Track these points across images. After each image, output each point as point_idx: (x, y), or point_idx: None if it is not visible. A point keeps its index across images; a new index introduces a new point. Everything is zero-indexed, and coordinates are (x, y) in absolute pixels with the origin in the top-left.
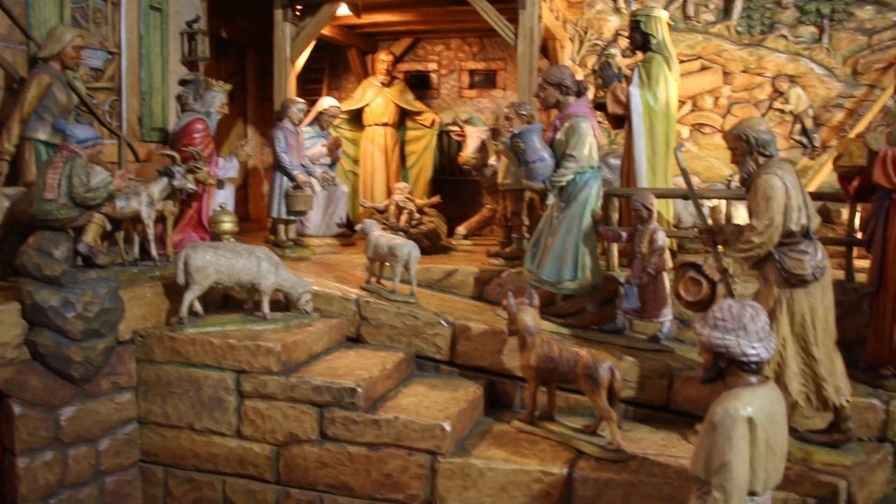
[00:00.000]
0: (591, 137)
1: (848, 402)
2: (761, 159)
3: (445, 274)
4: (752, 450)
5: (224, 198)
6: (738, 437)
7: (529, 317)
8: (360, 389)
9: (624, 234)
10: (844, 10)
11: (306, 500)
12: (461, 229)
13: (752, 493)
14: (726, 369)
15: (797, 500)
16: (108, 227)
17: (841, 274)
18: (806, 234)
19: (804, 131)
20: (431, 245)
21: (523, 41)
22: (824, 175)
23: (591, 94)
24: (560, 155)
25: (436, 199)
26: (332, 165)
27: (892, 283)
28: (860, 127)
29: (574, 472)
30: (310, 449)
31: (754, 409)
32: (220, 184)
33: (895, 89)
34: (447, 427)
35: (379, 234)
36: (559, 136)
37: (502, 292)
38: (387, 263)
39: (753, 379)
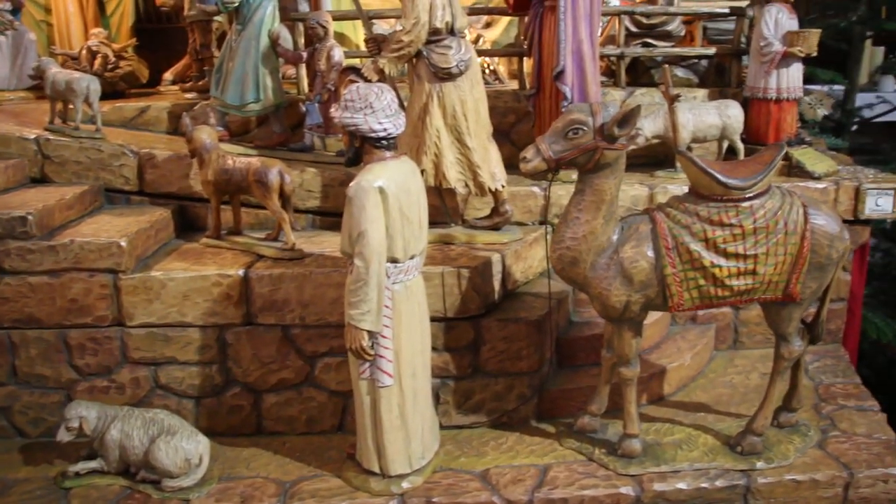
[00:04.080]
0: None
1: (503, 186)
2: None
3: (138, 111)
4: (387, 218)
5: None
6: (371, 207)
7: (206, 134)
8: (31, 217)
9: (303, 54)
10: None
11: None
12: (168, 75)
13: (393, 261)
14: (362, 148)
15: (453, 272)
16: None
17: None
18: (451, 31)
19: None
20: (130, 88)
21: None
22: None
23: None
24: None
25: (131, 41)
26: (15, 13)
27: (548, 84)
28: None
29: (250, 271)
30: None
31: (385, 180)
32: None
33: None
34: (123, 244)
35: (56, 71)
36: None
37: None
38: (70, 106)
39: (387, 154)
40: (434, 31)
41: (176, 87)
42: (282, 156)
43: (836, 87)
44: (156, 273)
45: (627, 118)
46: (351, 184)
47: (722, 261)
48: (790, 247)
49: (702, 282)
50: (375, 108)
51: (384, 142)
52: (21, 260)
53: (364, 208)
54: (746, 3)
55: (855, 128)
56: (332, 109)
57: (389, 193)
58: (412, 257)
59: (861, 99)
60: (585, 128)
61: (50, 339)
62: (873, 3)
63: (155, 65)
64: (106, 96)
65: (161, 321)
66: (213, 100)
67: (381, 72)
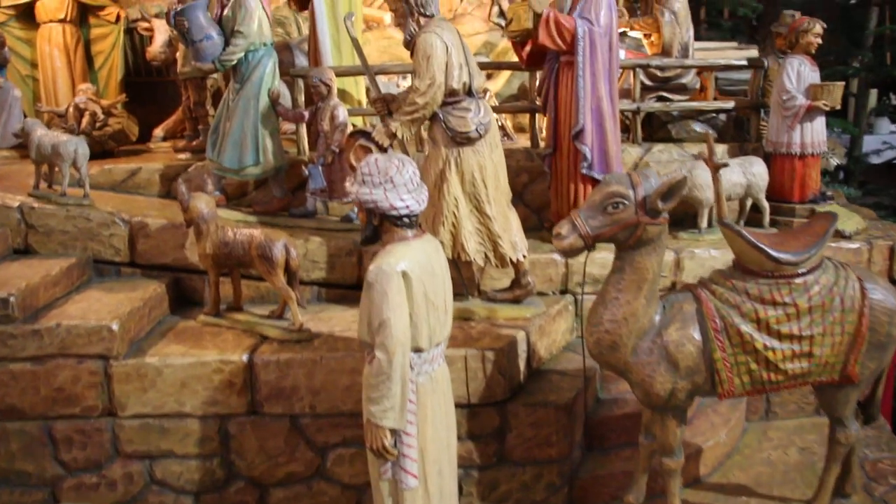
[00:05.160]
0: (259, 11)
1: (525, 257)
2: (422, 20)
3: (129, 174)
4: (411, 304)
5: None
6: (394, 293)
7: (203, 203)
8: (13, 299)
9: (306, 113)
10: None
11: None
12: (158, 131)
13: (417, 350)
14: (381, 226)
15: (476, 355)
16: None
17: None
18: (469, 92)
19: (501, 13)
20: (119, 147)
21: None
22: None
23: None
24: (229, 32)
25: (121, 97)
26: None
27: (565, 144)
28: None
29: (254, 357)
30: None
31: (408, 262)
32: None
33: None
34: (115, 327)
35: (42, 133)
36: (226, 11)
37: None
38: (56, 168)
39: (409, 233)
40: (451, 93)
41: (167, 144)
42: (283, 222)
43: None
44: (151, 359)
45: (673, 191)
46: (370, 267)
47: (776, 343)
48: (847, 325)
49: (754, 366)
50: (396, 183)
51: (406, 219)
52: (2, 346)
53: (386, 295)
54: (753, 51)
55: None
56: (348, 184)
57: (413, 278)
58: (437, 345)
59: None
60: (626, 202)
61: (33, 431)
62: (877, 50)
63: (145, 119)
64: (94, 156)
65: (156, 411)
66: (209, 163)
67: (393, 136)
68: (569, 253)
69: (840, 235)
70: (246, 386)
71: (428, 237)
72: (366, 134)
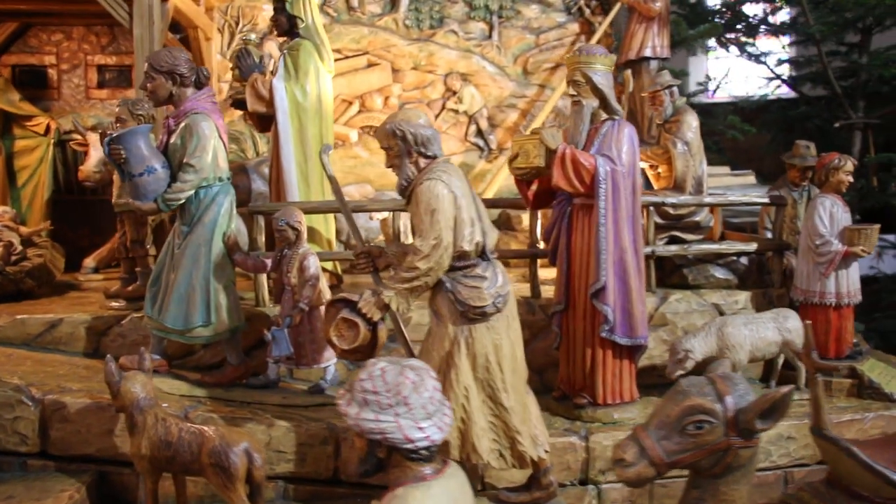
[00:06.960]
0: (215, 140)
1: (547, 452)
2: (422, 161)
3: (47, 326)
4: None
5: None
6: None
7: (139, 386)
8: None
9: (268, 262)
10: (512, 7)
11: None
12: (89, 261)
13: None
14: (388, 459)
15: None
16: None
17: (526, 289)
18: (482, 254)
19: (479, 132)
20: (39, 285)
21: (140, 22)
22: (503, 179)
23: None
24: (177, 164)
25: (45, 225)
26: None
27: (580, 300)
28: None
29: None
30: None
31: None
32: None
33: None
34: None
35: None
36: (174, 139)
37: (125, 344)
38: None
39: (427, 470)
40: (460, 255)
41: (99, 277)
42: (240, 396)
43: None
44: None
45: (776, 408)
46: None
47: None
48: None
49: None
50: (412, 406)
51: (424, 452)
52: None
53: None
54: (750, 177)
55: None
56: (342, 402)
57: None
58: None
59: None
60: (713, 420)
61: None
62: (862, 175)
63: (76, 243)
64: (6, 297)
65: None
66: (148, 321)
67: (385, 308)
68: (635, 484)
69: (887, 399)
70: None
71: (451, 470)
72: (349, 303)
